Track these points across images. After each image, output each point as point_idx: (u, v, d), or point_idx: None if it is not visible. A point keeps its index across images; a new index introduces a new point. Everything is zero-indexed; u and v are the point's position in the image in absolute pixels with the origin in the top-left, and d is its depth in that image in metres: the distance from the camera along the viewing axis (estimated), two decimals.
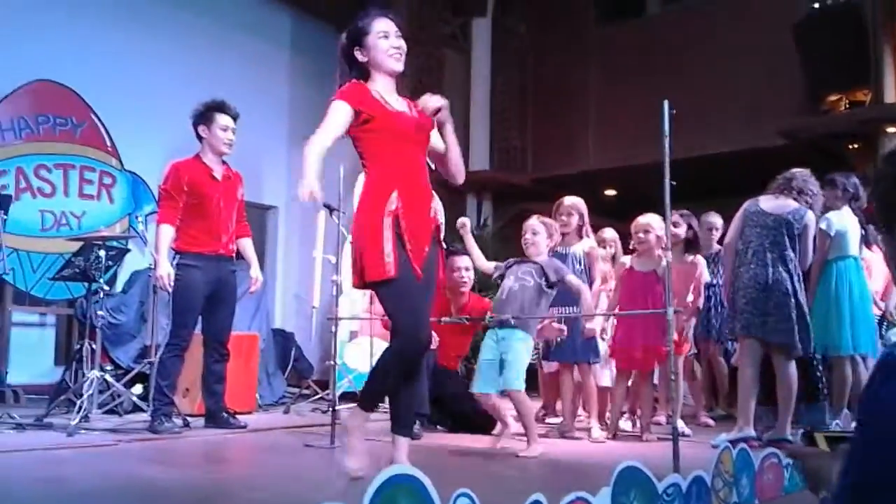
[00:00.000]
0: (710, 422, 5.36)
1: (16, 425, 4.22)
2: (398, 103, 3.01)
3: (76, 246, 5.14)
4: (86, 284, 5.02)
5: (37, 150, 6.35)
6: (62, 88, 6.48)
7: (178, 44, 7.44)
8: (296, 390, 6.45)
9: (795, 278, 4.23)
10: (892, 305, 5.38)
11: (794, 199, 4.36)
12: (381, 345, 6.18)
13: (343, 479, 2.84)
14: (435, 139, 3.08)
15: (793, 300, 4.18)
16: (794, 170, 4.50)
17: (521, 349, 3.97)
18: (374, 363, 3.03)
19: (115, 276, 6.31)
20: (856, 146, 7.42)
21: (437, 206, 8.45)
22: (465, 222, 4.51)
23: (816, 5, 7.33)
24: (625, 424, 5.04)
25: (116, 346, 5.79)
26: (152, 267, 4.73)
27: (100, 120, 6.71)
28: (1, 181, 6.04)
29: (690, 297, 4.81)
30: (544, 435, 4.63)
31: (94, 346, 4.87)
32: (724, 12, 8.36)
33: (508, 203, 9.92)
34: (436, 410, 4.68)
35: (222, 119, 4.62)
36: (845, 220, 4.74)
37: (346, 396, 6.20)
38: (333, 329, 4.48)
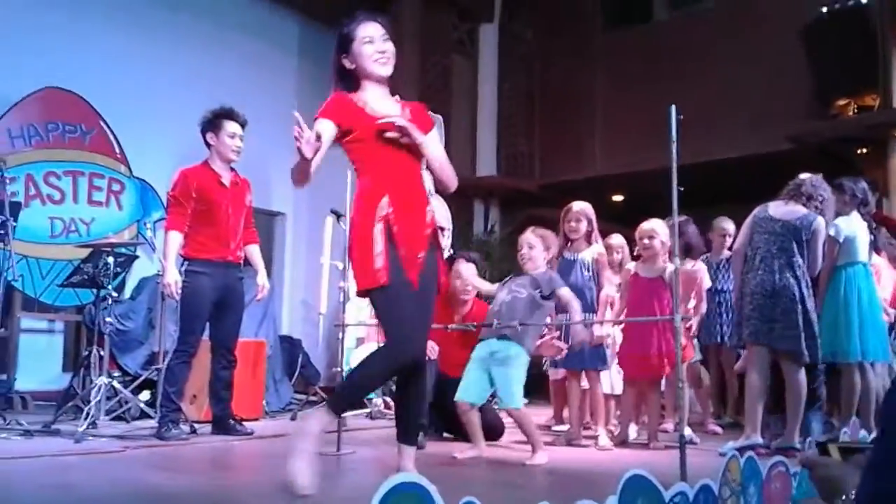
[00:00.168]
0: (718, 429, 5.33)
1: (24, 432, 4.23)
2: (389, 108, 2.93)
3: (85, 252, 5.16)
4: (94, 291, 5.04)
5: (46, 158, 6.38)
6: (72, 96, 6.51)
7: (186, 51, 7.47)
8: (303, 397, 6.46)
9: (803, 284, 4.20)
10: None
11: (804, 205, 4.34)
12: None
13: (286, 496, 2.61)
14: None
15: (800, 307, 4.16)
16: (805, 175, 4.48)
17: (514, 365, 3.90)
18: (351, 371, 2.93)
19: (123, 283, 6.33)
20: (865, 151, 7.39)
21: (445, 212, 8.41)
22: None
23: (824, 9, 7.31)
24: (630, 432, 5.02)
25: (124, 353, 5.80)
26: (160, 273, 4.74)
27: (109, 127, 6.74)
28: (11, 188, 6.04)
29: (692, 303, 4.80)
30: (551, 443, 4.62)
31: (101, 353, 4.88)
32: (731, 17, 8.35)
33: (516, 209, 9.92)
34: (439, 418, 4.67)
35: (230, 126, 4.63)
36: (854, 226, 4.72)
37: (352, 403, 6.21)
38: (340, 335, 4.49)
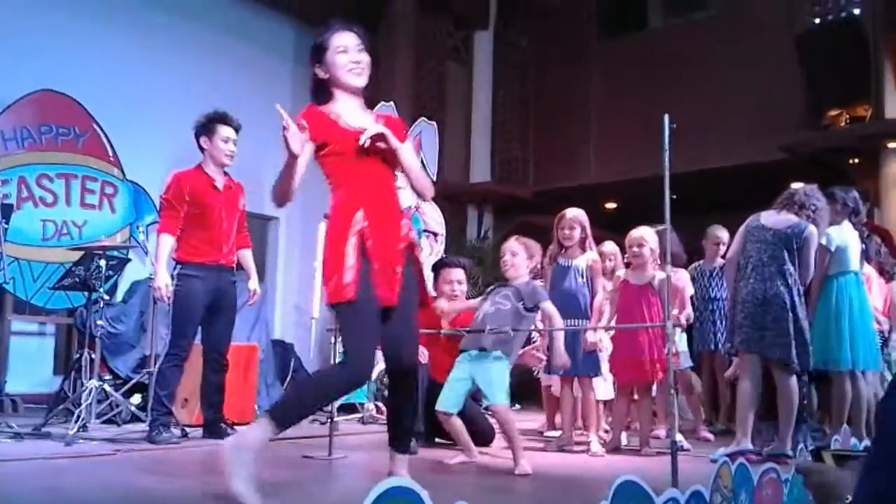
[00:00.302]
0: (710, 436, 5.35)
1: (14, 434, 4.21)
2: (361, 120, 2.86)
3: (77, 255, 5.14)
4: (86, 294, 5.02)
5: (39, 160, 6.37)
6: (65, 98, 6.50)
7: (181, 55, 7.47)
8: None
9: (794, 293, 4.22)
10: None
11: (796, 214, 4.36)
12: (381, 357, 6.20)
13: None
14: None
15: (790, 315, 4.18)
16: (799, 185, 4.52)
17: (497, 368, 3.86)
18: (306, 379, 2.92)
19: (115, 286, 6.31)
20: (856, 161, 7.44)
21: (438, 217, 8.42)
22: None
23: (817, 20, 7.37)
24: (622, 438, 5.03)
25: (116, 356, 5.78)
26: (153, 277, 4.73)
27: (102, 130, 6.73)
28: (3, 190, 6.04)
29: (675, 311, 4.82)
30: (543, 448, 4.62)
31: (93, 356, 4.87)
32: (725, 27, 8.40)
33: (510, 215, 9.94)
34: (430, 424, 4.66)
35: (224, 131, 4.63)
36: (845, 235, 4.75)
37: (345, 408, 6.20)
38: (333, 340, 4.48)
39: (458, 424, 4.00)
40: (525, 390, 6.96)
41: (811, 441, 4.47)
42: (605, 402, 5.32)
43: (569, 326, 4.55)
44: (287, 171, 2.74)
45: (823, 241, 4.63)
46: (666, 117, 2.86)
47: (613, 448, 4.62)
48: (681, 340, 5.56)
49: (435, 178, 8.01)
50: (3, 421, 4.46)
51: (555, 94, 9.66)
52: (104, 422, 4.89)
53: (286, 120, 2.62)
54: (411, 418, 3.05)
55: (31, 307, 6.32)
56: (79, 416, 4.26)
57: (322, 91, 2.91)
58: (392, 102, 7.64)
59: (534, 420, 6.11)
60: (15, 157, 6.23)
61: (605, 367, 4.84)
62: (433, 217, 7.85)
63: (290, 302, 8.39)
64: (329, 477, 3.56)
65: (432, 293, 4.95)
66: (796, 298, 4.22)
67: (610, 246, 5.50)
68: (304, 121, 2.72)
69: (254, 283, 4.86)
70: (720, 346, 5.61)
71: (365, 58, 2.92)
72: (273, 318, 8.16)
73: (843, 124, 7.43)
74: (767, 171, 7.52)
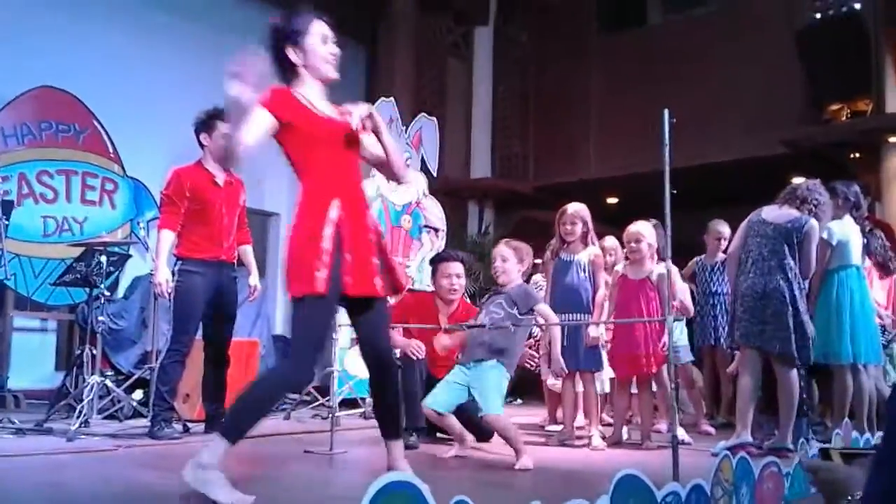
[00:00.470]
0: (711, 430, 5.35)
1: (16, 430, 4.22)
2: (327, 109, 2.85)
3: (78, 251, 5.15)
4: (87, 290, 5.03)
5: (39, 157, 6.37)
6: (65, 95, 6.50)
7: (179, 50, 7.46)
8: (296, 396, 6.44)
9: (794, 287, 4.22)
10: None
11: (798, 209, 4.36)
12: None
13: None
14: (368, 143, 2.94)
15: (790, 309, 4.18)
16: (801, 180, 4.52)
17: (493, 376, 3.81)
18: (251, 387, 2.74)
19: (116, 282, 6.32)
20: (857, 155, 7.43)
21: (439, 212, 8.42)
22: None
23: (818, 15, 7.35)
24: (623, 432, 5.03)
25: (117, 352, 5.79)
26: (153, 273, 4.73)
27: (102, 126, 6.73)
28: (3, 187, 6.05)
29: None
30: (544, 443, 4.63)
31: (94, 352, 4.88)
32: (725, 22, 8.38)
33: (510, 210, 9.95)
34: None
35: (224, 127, 4.62)
36: (847, 229, 4.75)
37: (347, 403, 6.21)
38: (334, 336, 4.48)
39: (451, 420, 3.97)
40: (527, 385, 6.97)
41: (812, 435, 4.48)
42: (605, 396, 5.33)
43: (570, 321, 4.57)
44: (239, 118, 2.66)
45: (825, 236, 4.63)
46: (666, 112, 2.85)
47: (615, 442, 4.62)
48: (682, 334, 5.57)
49: (436, 174, 8.02)
50: (6, 417, 4.47)
51: (555, 90, 9.66)
52: (106, 417, 4.90)
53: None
54: (397, 404, 2.98)
55: (33, 303, 6.33)
56: (80, 412, 4.27)
57: (289, 73, 2.85)
58: (392, 98, 7.65)
59: (535, 415, 6.12)
60: (15, 153, 6.23)
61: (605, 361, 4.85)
62: (434, 213, 7.85)
63: None
64: (330, 472, 3.57)
65: (430, 287, 4.96)
66: (797, 292, 4.22)
67: (611, 241, 5.49)
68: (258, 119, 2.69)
69: (254, 279, 4.86)
70: (721, 340, 5.61)
71: (338, 51, 2.89)
72: (274, 313, 8.17)
73: (843, 119, 7.42)
74: (768, 165, 7.52)
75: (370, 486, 1.33)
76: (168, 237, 4.46)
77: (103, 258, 4.79)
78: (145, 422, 4.58)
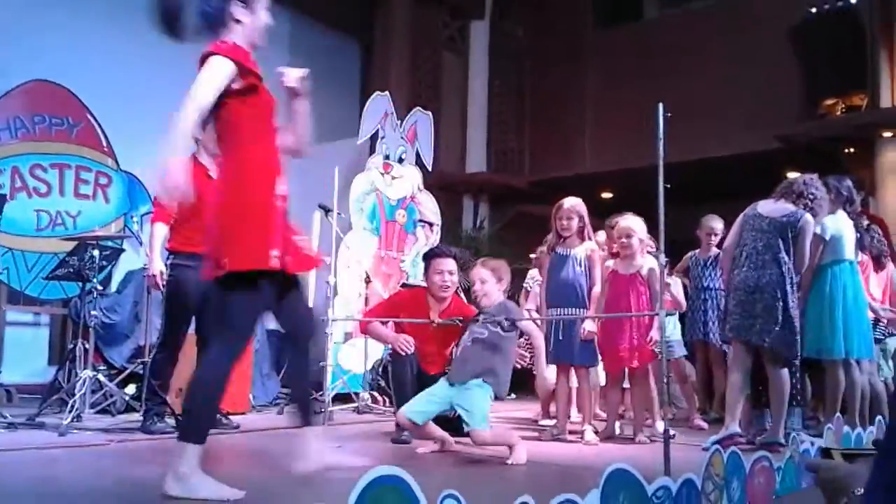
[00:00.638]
0: (704, 424, 5.36)
1: (7, 424, 4.20)
2: None
3: (71, 245, 5.13)
4: (80, 284, 5.01)
5: (32, 150, 6.34)
6: (58, 88, 6.47)
7: (175, 46, 7.41)
8: (289, 391, 6.44)
9: (787, 281, 4.22)
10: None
11: (793, 203, 4.36)
12: (377, 347, 6.21)
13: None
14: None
15: (781, 304, 4.18)
16: (799, 175, 4.52)
17: (478, 395, 3.73)
18: (191, 388, 2.69)
19: (109, 276, 6.30)
20: (852, 150, 7.44)
21: (433, 207, 8.40)
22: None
23: (814, 10, 7.35)
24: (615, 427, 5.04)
25: (110, 346, 5.77)
26: (147, 266, 4.72)
27: (96, 120, 6.70)
28: None
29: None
30: (537, 437, 4.63)
31: (87, 346, 4.86)
32: (721, 17, 8.38)
33: (506, 205, 9.94)
34: None
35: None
36: (840, 224, 4.75)
37: (340, 398, 6.20)
38: (329, 330, 4.48)
39: (426, 427, 3.88)
40: (520, 379, 6.97)
41: (803, 427, 4.50)
42: (600, 390, 5.35)
43: (563, 315, 4.57)
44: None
45: (818, 230, 4.64)
46: (660, 106, 2.85)
47: (607, 437, 4.63)
48: (675, 329, 5.58)
49: (431, 169, 8.01)
50: None
51: (551, 85, 9.65)
52: (98, 412, 4.89)
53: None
54: (310, 388, 2.93)
55: (26, 297, 6.30)
56: (73, 407, 4.26)
57: (221, 30, 2.75)
58: (387, 92, 7.64)
59: (528, 409, 6.13)
60: (8, 146, 6.20)
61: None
62: (429, 207, 7.85)
63: None
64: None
65: (422, 283, 4.94)
66: (788, 287, 4.22)
67: (604, 235, 5.50)
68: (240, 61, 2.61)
69: None
70: (710, 335, 5.63)
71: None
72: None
73: (838, 113, 7.43)
74: (763, 160, 7.53)
75: (359, 480, 1.33)
76: (161, 230, 4.45)
77: (96, 252, 4.77)
78: (138, 416, 4.57)
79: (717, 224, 5.80)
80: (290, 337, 2.92)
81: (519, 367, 4.38)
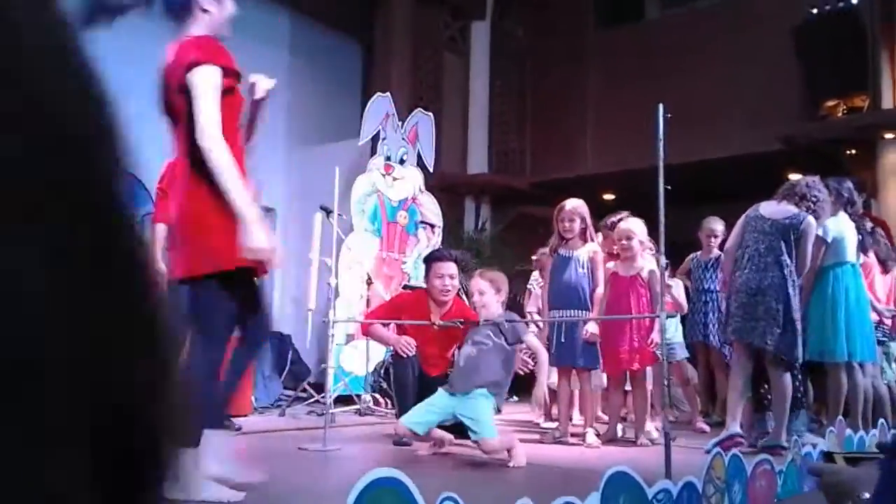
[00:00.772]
0: (706, 427, 5.35)
1: None
2: None
3: None
4: None
5: None
6: None
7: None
8: (292, 393, 6.44)
9: (789, 284, 4.21)
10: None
11: (796, 205, 4.35)
12: (378, 349, 6.20)
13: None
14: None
15: (783, 306, 4.17)
16: (801, 177, 4.51)
17: (483, 404, 3.72)
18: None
19: None
20: (853, 152, 7.42)
21: (435, 208, 8.37)
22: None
23: (815, 11, 7.34)
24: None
25: None
26: None
27: None
28: None
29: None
30: (539, 440, 4.63)
31: None
32: (723, 17, 8.37)
33: (507, 206, 9.93)
34: None
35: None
36: (841, 226, 4.74)
37: (342, 400, 6.20)
38: (329, 332, 4.47)
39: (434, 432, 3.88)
40: (522, 382, 6.96)
41: (807, 430, 4.48)
42: (602, 393, 5.33)
43: (565, 318, 4.56)
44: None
45: (820, 233, 4.63)
46: (660, 107, 2.84)
47: (609, 440, 4.62)
48: (677, 331, 5.57)
49: (432, 170, 8.00)
50: None
51: (552, 85, 9.64)
52: None
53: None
54: (230, 389, 2.82)
55: None
56: None
57: (187, 20, 2.72)
58: (388, 93, 7.63)
59: (529, 412, 6.11)
60: None
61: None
62: (430, 208, 7.84)
63: (288, 294, 8.37)
64: (322, 469, 3.56)
65: (423, 285, 4.94)
66: (790, 290, 4.21)
67: (601, 237, 5.48)
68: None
69: None
70: (710, 337, 5.62)
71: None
72: (271, 309, 8.14)
73: (840, 115, 7.41)
74: (765, 161, 7.51)
75: (357, 482, 1.33)
76: (162, 231, 4.46)
77: None
78: None
79: (718, 226, 5.79)
80: (243, 340, 2.86)
81: (522, 373, 4.37)
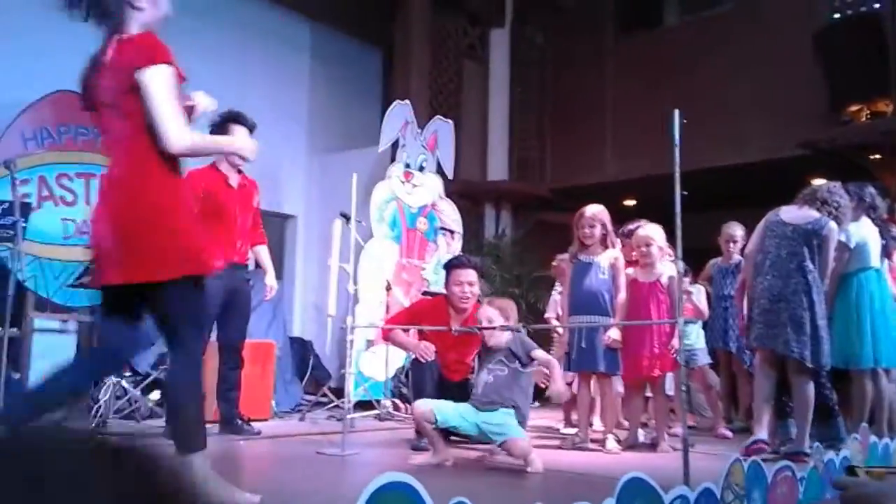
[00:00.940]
0: (728, 434, 5.31)
1: None
2: None
3: None
4: None
5: (58, 160, 6.43)
6: None
7: (197, 54, 7.46)
8: (312, 398, 6.47)
9: (814, 290, 4.17)
10: None
11: (817, 210, 4.32)
12: (398, 354, 6.21)
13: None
14: None
15: (808, 313, 4.13)
16: (822, 182, 4.47)
17: (509, 417, 3.74)
18: (178, 399, 2.60)
19: None
20: (878, 157, 7.33)
21: (455, 215, 8.37)
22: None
23: (837, 15, 7.27)
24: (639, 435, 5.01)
25: None
26: None
27: None
28: (23, 190, 6.12)
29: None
30: (558, 446, 4.61)
31: None
32: (742, 22, 8.31)
33: (527, 213, 9.92)
34: None
35: (237, 130, 4.64)
36: (864, 231, 4.69)
37: (362, 405, 6.22)
38: (348, 338, 4.49)
39: (435, 432, 3.87)
40: (543, 388, 6.94)
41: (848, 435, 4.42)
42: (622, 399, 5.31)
43: (584, 323, 4.54)
44: None
45: (842, 238, 4.58)
46: (676, 113, 2.83)
47: (629, 446, 4.60)
48: (699, 337, 5.53)
49: (451, 177, 8.02)
50: None
51: (572, 92, 9.62)
52: (123, 418, 4.95)
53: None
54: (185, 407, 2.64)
55: (53, 305, 6.39)
56: (97, 412, 4.30)
57: (119, 16, 2.62)
58: (408, 101, 7.66)
59: (550, 417, 6.10)
60: (35, 156, 6.29)
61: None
62: (449, 215, 7.85)
63: (310, 299, 8.42)
64: (339, 473, 3.57)
65: (444, 291, 4.94)
66: (815, 296, 4.17)
67: (619, 244, 5.46)
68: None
69: (270, 279, 4.89)
70: (730, 343, 5.58)
71: None
72: (292, 315, 8.21)
73: (863, 120, 7.33)
74: (787, 167, 7.44)
75: (366, 487, 1.33)
76: None
77: None
78: (162, 422, 4.61)
79: (738, 231, 5.75)
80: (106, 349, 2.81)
81: (543, 386, 4.36)
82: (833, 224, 4.29)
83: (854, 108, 7.30)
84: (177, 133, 2.40)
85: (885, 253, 4.91)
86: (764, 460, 2.70)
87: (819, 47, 7.26)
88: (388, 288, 6.47)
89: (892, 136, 7.14)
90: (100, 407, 4.36)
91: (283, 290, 7.57)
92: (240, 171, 4.73)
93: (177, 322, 2.49)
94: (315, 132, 8.55)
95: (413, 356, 4.49)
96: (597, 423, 5.17)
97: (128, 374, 5.47)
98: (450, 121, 8.06)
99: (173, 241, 2.43)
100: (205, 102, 2.80)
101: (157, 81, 2.41)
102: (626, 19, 9.59)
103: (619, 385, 5.08)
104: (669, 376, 4.71)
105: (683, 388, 2.87)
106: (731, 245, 5.75)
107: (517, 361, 3.85)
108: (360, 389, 6.31)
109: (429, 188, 7.69)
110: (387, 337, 4.74)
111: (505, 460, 3.90)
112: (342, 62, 9.02)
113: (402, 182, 7.46)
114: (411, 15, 8.69)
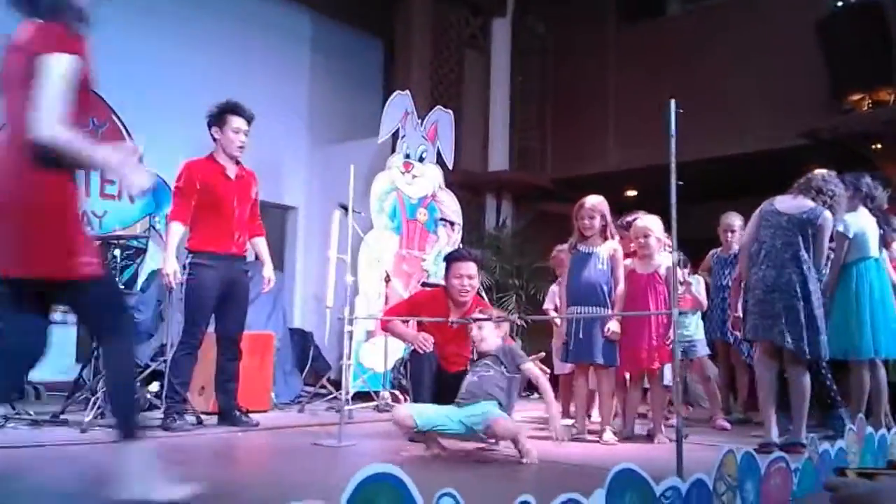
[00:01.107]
0: (727, 425, 5.30)
1: (31, 421, 4.28)
2: None
3: None
4: None
5: None
6: None
7: (198, 45, 7.50)
8: (312, 389, 6.49)
9: (809, 280, 4.15)
10: None
11: (812, 200, 4.29)
12: (397, 345, 6.22)
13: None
14: None
15: (802, 303, 4.10)
16: (816, 170, 4.44)
17: (489, 403, 3.74)
18: (122, 387, 2.58)
19: (135, 276, 6.38)
20: (879, 146, 7.30)
21: (455, 206, 8.36)
22: None
23: (839, 3, 7.23)
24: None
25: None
26: (162, 265, 4.77)
27: (121, 121, 6.79)
28: None
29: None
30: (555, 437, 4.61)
31: None
32: (744, 11, 8.26)
33: (528, 203, 9.90)
34: None
35: (235, 121, 4.64)
36: (862, 221, 4.68)
37: (360, 396, 6.23)
38: (347, 329, 4.49)
39: (424, 433, 3.85)
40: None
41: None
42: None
43: (583, 314, 4.54)
44: None
45: (841, 228, 4.56)
46: (672, 102, 2.82)
47: (626, 437, 4.60)
48: (698, 328, 5.52)
49: (452, 167, 8.01)
50: (23, 408, 4.54)
51: (573, 82, 9.59)
52: None
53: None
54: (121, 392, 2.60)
55: None
56: (95, 404, 4.32)
57: (43, 8, 2.41)
58: (408, 91, 7.65)
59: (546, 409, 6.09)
60: None
61: None
62: (450, 206, 7.85)
63: (309, 291, 8.43)
64: (335, 464, 3.57)
65: (441, 283, 4.94)
66: (811, 286, 4.15)
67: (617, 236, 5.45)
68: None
69: (268, 271, 4.89)
70: (727, 334, 5.57)
71: None
72: (292, 306, 8.22)
73: (865, 109, 7.29)
74: (788, 157, 7.41)
75: (353, 478, 1.33)
76: (177, 229, 4.51)
77: (117, 252, 4.84)
78: (160, 414, 4.63)
79: (735, 221, 5.72)
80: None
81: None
82: (828, 213, 4.26)
83: (856, 97, 7.27)
84: (45, 121, 2.25)
85: (884, 243, 4.90)
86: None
87: (821, 35, 7.22)
88: (388, 279, 6.47)
89: (894, 126, 7.10)
90: (98, 398, 4.36)
91: (283, 281, 7.57)
92: (238, 163, 4.73)
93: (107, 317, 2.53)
94: (316, 123, 8.54)
95: (412, 347, 4.49)
96: (595, 414, 5.17)
97: None
98: (450, 111, 8.05)
99: (74, 242, 2.40)
100: (140, 178, 2.44)
101: (51, 68, 2.28)
102: (627, 8, 9.54)
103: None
104: (668, 367, 4.70)
105: (678, 379, 2.86)
106: (730, 235, 5.73)
107: (503, 367, 3.88)
108: (360, 381, 6.32)
109: (429, 179, 7.68)
110: (385, 327, 4.74)
111: (501, 452, 3.91)
112: (343, 53, 9.00)
113: (402, 172, 7.46)
114: (412, 5, 8.66)
